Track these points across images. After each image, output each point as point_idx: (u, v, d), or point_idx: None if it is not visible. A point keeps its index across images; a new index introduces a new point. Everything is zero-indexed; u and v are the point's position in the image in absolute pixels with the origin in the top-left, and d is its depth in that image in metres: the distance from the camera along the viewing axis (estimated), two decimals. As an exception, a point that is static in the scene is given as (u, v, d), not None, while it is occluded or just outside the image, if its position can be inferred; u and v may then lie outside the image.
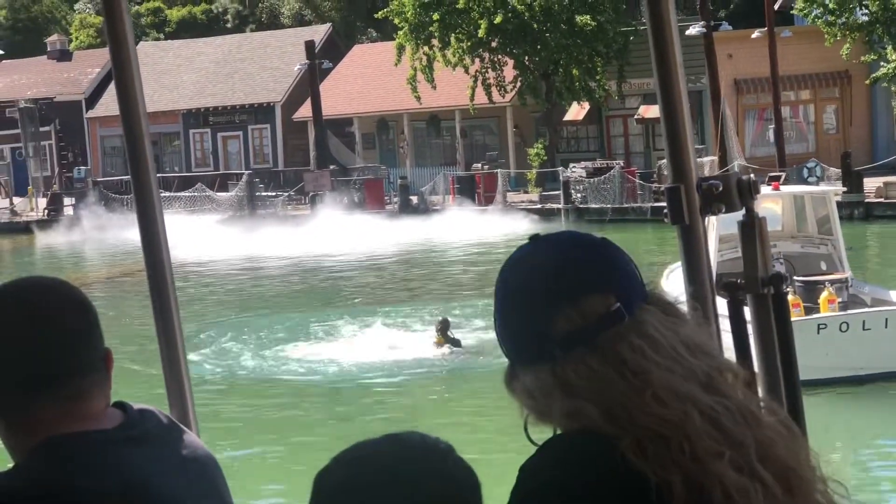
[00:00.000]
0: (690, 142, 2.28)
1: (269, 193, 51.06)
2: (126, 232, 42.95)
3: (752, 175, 2.29)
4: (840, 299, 18.17)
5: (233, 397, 19.13)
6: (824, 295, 17.71)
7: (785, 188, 21.74)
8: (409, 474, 1.72)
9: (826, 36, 43.71)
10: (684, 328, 1.91)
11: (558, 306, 1.88)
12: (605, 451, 1.80)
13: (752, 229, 2.25)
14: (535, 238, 1.99)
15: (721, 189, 2.22)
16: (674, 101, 2.28)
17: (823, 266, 19.66)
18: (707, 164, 37.05)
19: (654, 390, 1.83)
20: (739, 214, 2.29)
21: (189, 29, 72.38)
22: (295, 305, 28.27)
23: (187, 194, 50.90)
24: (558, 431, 1.92)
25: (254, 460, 15.64)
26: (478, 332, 22.18)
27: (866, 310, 17.92)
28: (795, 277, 18.48)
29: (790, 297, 15.56)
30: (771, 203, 20.05)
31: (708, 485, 1.79)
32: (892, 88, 44.99)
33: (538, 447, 1.88)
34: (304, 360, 20.88)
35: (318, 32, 60.33)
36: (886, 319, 17.20)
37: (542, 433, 1.95)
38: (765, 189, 19.45)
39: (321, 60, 52.21)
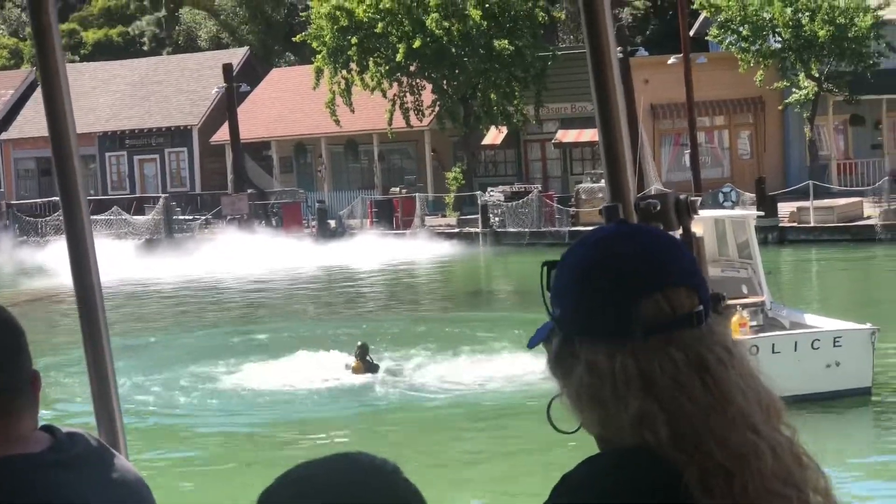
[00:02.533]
0: (629, 161, 2.27)
1: (187, 217, 50.70)
2: (39, 256, 42.43)
3: (689, 195, 2.29)
4: (756, 322, 18.31)
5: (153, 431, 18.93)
6: (735, 318, 17.83)
7: (705, 212, 21.90)
8: (358, 494, 1.68)
9: (740, 62, 44.31)
10: (744, 348, 1.80)
11: (649, 290, 1.75)
12: (666, 476, 1.68)
13: (689, 249, 2.24)
14: (622, 222, 1.91)
15: (659, 208, 2.21)
16: (612, 121, 2.28)
17: (744, 289, 19.82)
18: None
19: (734, 413, 1.70)
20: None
21: (105, 51, 71.71)
22: (210, 327, 28.04)
23: (103, 217, 50.36)
24: (596, 433, 1.78)
25: (179, 483, 15.46)
26: (395, 356, 22.12)
27: (776, 333, 18.08)
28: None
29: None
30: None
31: None
32: (804, 114, 45.65)
33: (586, 459, 1.75)
34: (220, 390, 20.54)
35: (236, 55, 60.04)
36: (796, 343, 17.36)
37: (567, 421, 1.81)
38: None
39: (239, 83, 51.97)
